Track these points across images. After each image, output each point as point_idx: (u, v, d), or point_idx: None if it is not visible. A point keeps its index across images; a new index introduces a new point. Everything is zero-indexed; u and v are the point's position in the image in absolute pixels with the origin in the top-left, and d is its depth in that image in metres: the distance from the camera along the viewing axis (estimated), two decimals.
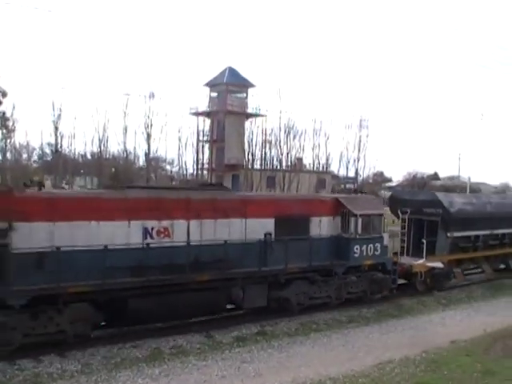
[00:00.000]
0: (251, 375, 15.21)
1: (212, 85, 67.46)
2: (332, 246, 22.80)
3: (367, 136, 74.72)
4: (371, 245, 23.90)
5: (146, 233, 18.01)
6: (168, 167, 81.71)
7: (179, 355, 16.59)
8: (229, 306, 21.02)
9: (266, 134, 67.00)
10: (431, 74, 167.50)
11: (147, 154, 63.63)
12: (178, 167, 73.45)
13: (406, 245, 28.26)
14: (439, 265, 27.96)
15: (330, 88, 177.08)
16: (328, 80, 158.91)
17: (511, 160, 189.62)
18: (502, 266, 33.97)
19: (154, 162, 68.92)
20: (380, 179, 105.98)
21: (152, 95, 62.38)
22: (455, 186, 78.89)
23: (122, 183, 55.72)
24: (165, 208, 18.54)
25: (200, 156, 68.32)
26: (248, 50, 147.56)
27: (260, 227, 20.70)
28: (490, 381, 15.50)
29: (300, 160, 71.17)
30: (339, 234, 23.14)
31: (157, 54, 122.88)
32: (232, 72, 66.28)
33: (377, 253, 24.17)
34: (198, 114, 67.59)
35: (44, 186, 18.29)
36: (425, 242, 27.75)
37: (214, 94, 67.60)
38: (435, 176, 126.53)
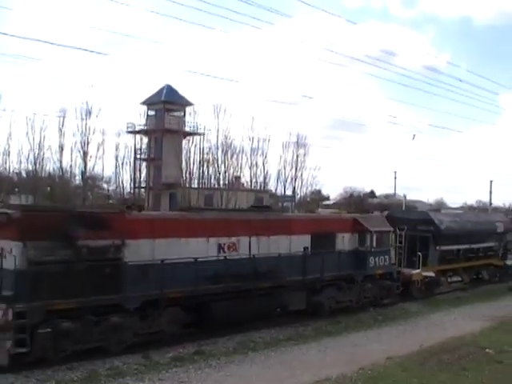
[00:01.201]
0: None
1: (149, 103, 67.10)
2: (352, 257, 27.42)
3: (305, 155, 75.30)
4: (382, 257, 28.87)
5: (220, 248, 21.76)
6: (105, 186, 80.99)
7: (116, 376, 16.29)
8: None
9: (203, 153, 67.08)
10: (358, 92, 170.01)
11: (84, 173, 62.97)
12: (115, 186, 72.85)
13: (402, 257, 31.15)
14: (431, 274, 33.05)
15: (267, 106, 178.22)
16: (266, 98, 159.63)
17: (442, 177, 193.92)
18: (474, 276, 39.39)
19: (90, 181, 68.19)
20: (317, 197, 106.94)
21: (89, 113, 61.87)
22: (391, 204, 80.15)
23: (59, 202, 55.23)
24: (232, 227, 22.57)
25: (137, 174, 67.92)
26: (186, 67, 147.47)
27: (300, 242, 24.86)
28: None
29: (238, 178, 71.32)
30: (357, 248, 27.82)
31: (94, 71, 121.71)
32: (170, 90, 66.02)
33: (386, 263, 29.16)
34: (135, 132, 67.15)
35: (144, 209, 21.68)
36: (420, 254, 32.08)
37: (152, 112, 67.26)
38: (372, 194, 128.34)
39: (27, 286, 16.44)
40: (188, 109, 67.70)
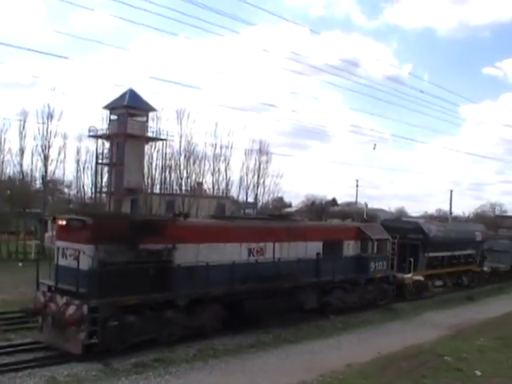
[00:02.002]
0: None
1: (112, 107, 66.41)
2: (356, 262, 30.38)
3: (267, 162, 75.28)
4: (381, 262, 32.10)
5: (250, 252, 24.52)
6: (66, 190, 79.90)
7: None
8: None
9: (166, 158, 66.70)
10: (322, 101, 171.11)
11: (44, 176, 62.07)
12: (76, 190, 71.87)
13: (394, 263, 33.76)
14: (421, 278, 36.84)
15: (231, 114, 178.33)
16: (229, 105, 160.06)
17: (403, 187, 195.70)
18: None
19: (51, 185, 67.25)
20: (279, 205, 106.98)
21: (50, 116, 61.02)
22: (353, 213, 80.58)
23: (18, 206, 54.62)
24: (260, 233, 25.32)
25: (99, 179, 67.18)
26: (150, 73, 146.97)
27: (314, 248, 27.70)
28: None
29: (200, 185, 71.00)
30: (360, 254, 30.68)
31: (56, 75, 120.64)
32: (133, 95, 65.45)
33: (384, 268, 32.41)
34: (97, 136, 66.43)
35: (189, 217, 25.59)
36: (412, 260, 35.76)
37: (114, 117, 66.64)
38: (333, 202, 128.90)
39: (98, 284, 18.86)
40: (151, 114, 67.14)
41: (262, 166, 74.33)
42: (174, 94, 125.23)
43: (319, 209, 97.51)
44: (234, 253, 23.68)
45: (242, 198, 75.46)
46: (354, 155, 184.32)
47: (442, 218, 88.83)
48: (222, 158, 70.91)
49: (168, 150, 66.63)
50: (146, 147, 66.61)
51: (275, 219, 30.27)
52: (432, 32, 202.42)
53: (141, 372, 17.55)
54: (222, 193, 72.49)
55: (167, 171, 66.83)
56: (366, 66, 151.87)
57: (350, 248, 30.37)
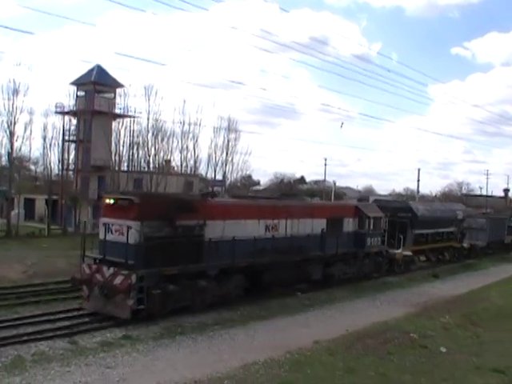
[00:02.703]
0: (115, 380, 14.95)
1: (79, 83, 65.58)
2: (355, 238, 33.37)
3: (235, 139, 75.13)
4: (376, 238, 35.11)
5: (267, 228, 27.06)
6: (32, 167, 79.02)
7: (41, 362, 16.05)
8: None
9: (133, 136, 66.18)
10: (291, 79, 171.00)
11: (10, 153, 61.30)
12: (42, 167, 71.06)
13: (385, 239, 36.41)
14: (409, 253, 39.77)
15: (199, 91, 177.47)
16: (197, 82, 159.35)
17: (371, 165, 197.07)
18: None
19: (17, 162, 66.42)
20: (248, 182, 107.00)
21: (16, 91, 60.14)
22: (321, 190, 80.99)
23: None
24: (275, 211, 27.87)
25: (65, 156, 66.42)
26: (117, 49, 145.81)
27: (319, 225, 30.36)
28: (351, 378, 16.02)
29: (168, 162, 70.68)
30: (358, 230, 33.57)
31: (21, 49, 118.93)
32: (100, 71, 64.65)
33: (378, 243, 35.51)
34: (63, 112, 65.63)
35: (217, 196, 28.79)
36: (402, 237, 38.16)
37: (81, 93, 65.85)
38: (302, 180, 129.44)
39: (144, 256, 21.16)
40: (118, 90, 66.43)
41: (230, 144, 74.28)
42: (141, 70, 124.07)
43: (287, 187, 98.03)
44: (253, 228, 26.28)
45: (210, 175, 75.40)
46: (322, 133, 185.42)
47: (410, 197, 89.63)
48: (191, 136, 70.68)
49: (136, 127, 66.19)
50: (114, 124, 66.08)
51: (286, 198, 34.74)
52: (401, 11, 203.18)
53: (107, 350, 17.51)
54: (191, 170, 72.30)
55: (135, 148, 66.45)
56: (336, 45, 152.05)
57: (349, 225, 33.27)
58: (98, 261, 22.52)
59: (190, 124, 69.94)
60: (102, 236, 22.43)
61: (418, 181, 77.64)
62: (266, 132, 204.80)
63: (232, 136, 74.56)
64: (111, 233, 22.08)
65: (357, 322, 23.28)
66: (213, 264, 23.81)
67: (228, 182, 77.87)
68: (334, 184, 64.37)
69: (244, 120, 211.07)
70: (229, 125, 74.35)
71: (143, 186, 62.31)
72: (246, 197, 35.71)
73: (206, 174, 75.58)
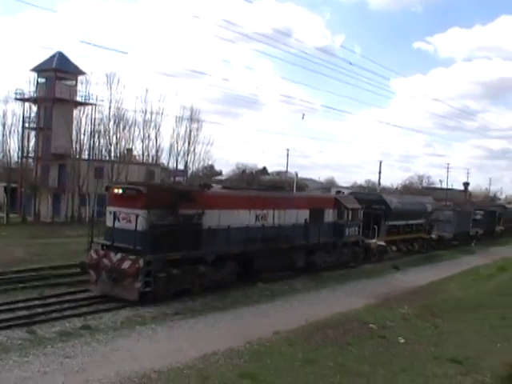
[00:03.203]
0: (74, 370, 14.86)
1: (40, 70, 64.83)
2: (334, 228, 35.36)
3: (198, 129, 74.92)
4: (353, 228, 37.35)
5: (257, 217, 28.90)
6: None
7: None
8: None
9: (95, 124, 65.64)
10: (254, 70, 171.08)
11: None
12: (1, 154, 70.10)
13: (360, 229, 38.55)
14: (383, 243, 41.91)
15: (162, 80, 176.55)
16: (160, 71, 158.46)
17: (333, 157, 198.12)
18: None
19: None
20: (210, 173, 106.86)
21: None
22: (283, 182, 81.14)
23: None
24: (264, 202, 29.68)
25: (25, 144, 65.69)
26: (79, 37, 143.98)
27: (303, 215, 32.26)
28: (310, 369, 16.13)
29: (129, 151, 70.36)
30: (337, 221, 35.61)
31: None
32: (61, 58, 63.92)
33: (356, 233, 37.80)
34: (24, 99, 64.84)
35: (212, 187, 30.59)
36: (376, 228, 40.46)
37: (42, 80, 65.09)
38: (264, 171, 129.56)
39: (151, 243, 22.93)
40: (80, 78, 65.84)
41: (192, 134, 74.10)
42: (103, 58, 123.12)
43: (249, 177, 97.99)
44: (245, 218, 28.10)
45: (172, 165, 75.15)
46: (284, 124, 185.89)
47: (371, 189, 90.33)
48: (153, 125, 70.58)
49: (97, 115, 65.86)
50: (75, 112, 65.57)
51: (273, 190, 37.24)
52: (365, 4, 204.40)
53: (66, 340, 17.40)
54: (152, 160, 72.03)
55: (96, 137, 66.13)
56: (299, 36, 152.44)
57: (329, 215, 35.25)
58: (105, 247, 24.16)
59: (152, 113, 69.88)
60: (109, 224, 24.06)
61: (380, 173, 78.51)
62: (228, 122, 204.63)
63: (194, 126, 74.48)
64: (118, 220, 23.67)
65: (317, 312, 23.44)
66: (210, 250, 25.79)
67: (190, 171, 77.64)
68: (296, 175, 64.54)
69: (206, 110, 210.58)
70: (191, 114, 74.26)
71: (104, 174, 61.88)
72: (236, 188, 37.25)
73: (168, 163, 75.42)
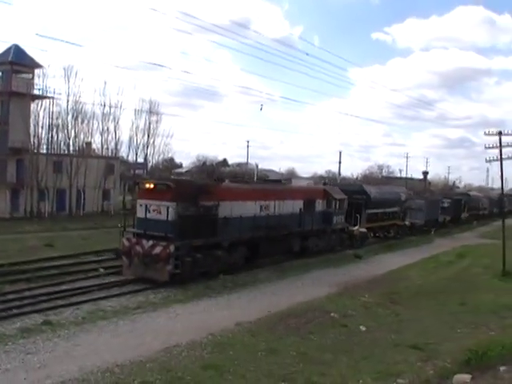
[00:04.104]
0: (36, 366, 14.81)
1: None
2: (324, 217, 39.47)
3: (157, 122, 74.59)
4: (340, 216, 41.79)
5: (261, 208, 32.67)
6: None
7: None
8: None
9: (53, 117, 64.92)
10: (212, 61, 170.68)
11: None
12: None
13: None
14: (364, 230, 45.84)
15: (120, 72, 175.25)
16: (118, 64, 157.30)
17: (293, 148, 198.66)
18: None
19: None
20: (170, 165, 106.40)
21: None
22: (243, 173, 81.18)
23: None
24: (266, 194, 33.74)
25: None
26: (36, 30, 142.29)
27: (298, 205, 36.54)
28: (273, 358, 16.23)
29: (88, 145, 69.75)
30: (326, 210, 39.74)
31: None
32: (17, 51, 62.91)
33: (342, 221, 42.31)
34: None
35: (224, 181, 34.50)
36: (358, 216, 44.63)
37: None
38: (224, 162, 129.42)
39: (179, 231, 26.31)
40: (37, 71, 64.87)
41: (151, 126, 73.93)
42: (60, 51, 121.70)
43: (210, 169, 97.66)
44: (252, 208, 31.81)
45: (131, 158, 74.91)
46: (244, 116, 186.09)
47: (331, 179, 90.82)
48: (111, 118, 70.12)
49: (55, 109, 65.12)
50: (32, 105, 64.62)
51: (273, 183, 41.21)
52: None
53: (27, 336, 17.32)
54: (111, 153, 71.52)
55: (54, 131, 65.44)
56: (257, 28, 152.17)
57: (320, 205, 39.28)
58: (135, 235, 27.43)
59: (110, 106, 69.39)
60: (141, 215, 27.42)
61: (340, 163, 78.93)
62: (187, 114, 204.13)
63: (153, 118, 74.27)
64: (149, 212, 27.06)
65: (279, 302, 23.62)
66: (225, 237, 29.33)
67: (150, 164, 77.33)
68: (257, 166, 64.61)
69: (165, 102, 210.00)
70: (150, 107, 74.03)
71: (63, 168, 61.31)
72: (242, 181, 39.79)
73: (128, 156, 75.24)
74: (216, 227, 28.79)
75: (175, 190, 27.03)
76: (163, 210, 26.49)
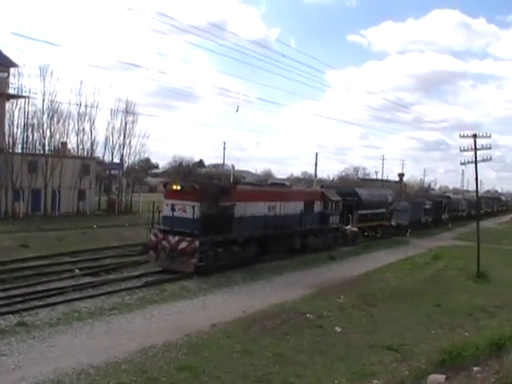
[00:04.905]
0: (10, 368, 14.75)
1: None
2: (321, 217, 42.68)
3: (133, 122, 74.15)
4: (335, 216, 45.08)
5: (269, 208, 35.54)
6: None
7: None
8: None
9: (28, 117, 64.35)
10: (189, 62, 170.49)
11: None
12: None
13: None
14: (356, 229, 49.24)
15: (96, 72, 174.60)
16: (94, 64, 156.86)
17: (270, 149, 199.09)
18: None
19: None
20: (146, 166, 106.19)
21: None
22: (220, 174, 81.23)
23: None
24: (273, 196, 36.81)
25: None
26: (10, 27, 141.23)
27: (299, 206, 39.47)
28: (248, 360, 16.34)
29: (64, 145, 69.18)
30: (323, 211, 42.98)
31: None
32: None
33: (337, 221, 45.50)
34: None
35: (238, 183, 38.25)
36: (351, 216, 47.97)
37: None
38: (201, 163, 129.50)
39: (203, 228, 29.31)
40: (12, 70, 64.33)
41: (128, 126, 73.14)
42: (36, 50, 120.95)
43: (186, 170, 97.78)
44: (262, 209, 34.74)
45: (107, 158, 74.37)
46: (221, 117, 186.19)
47: (308, 181, 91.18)
48: (87, 118, 69.37)
49: (30, 108, 64.40)
50: (7, 105, 64.06)
51: (279, 186, 43.22)
52: None
53: (1, 338, 17.21)
54: (87, 153, 70.98)
55: (30, 130, 64.68)
56: (235, 29, 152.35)
57: (318, 206, 42.44)
58: (162, 231, 30.04)
59: (86, 106, 68.72)
60: (168, 213, 30.19)
61: (316, 165, 79.15)
62: (164, 115, 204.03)
63: (130, 119, 73.53)
64: (175, 211, 29.81)
65: (255, 304, 23.69)
66: (240, 234, 32.23)
67: (126, 165, 76.91)
68: (233, 168, 64.66)
69: (142, 102, 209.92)
70: (126, 107, 73.29)
71: (38, 169, 60.87)
72: (254, 184, 43.07)
73: (103, 156, 74.61)
74: (232, 225, 31.83)
75: (200, 191, 30.30)
76: (189, 209, 29.39)
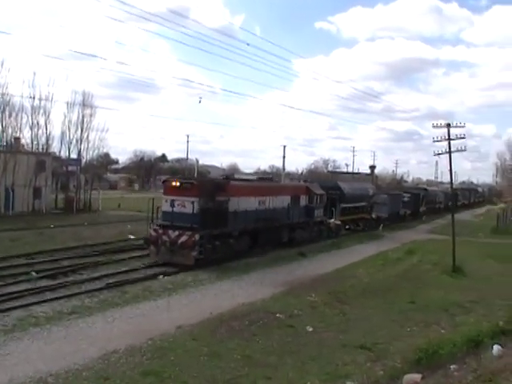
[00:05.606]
0: None
1: None
2: (307, 210, 45.85)
3: (91, 115, 73.56)
4: (320, 210, 48.29)
5: (260, 203, 38.68)
6: None
7: None
8: None
9: None
10: (149, 52, 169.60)
11: None
12: None
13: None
14: (339, 222, 52.57)
15: (50, 62, 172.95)
16: (48, 54, 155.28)
17: (235, 142, 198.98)
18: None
19: None
20: (105, 161, 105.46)
21: None
22: (183, 169, 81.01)
23: None
24: (263, 190, 40.15)
25: None
26: None
27: (286, 201, 42.77)
28: (216, 363, 16.32)
29: (17, 140, 68.53)
30: (308, 205, 46.05)
31: None
32: None
33: (321, 214, 48.88)
34: None
35: (231, 179, 40.17)
36: (334, 209, 51.88)
37: None
38: (163, 158, 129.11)
39: (202, 222, 32.01)
40: None
41: (85, 120, 72.68)
42: None
43: (148, 165, 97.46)
44: (254, 203, 37.90)
45: (64, 153, 73.75)
46: (184, 109, 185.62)
47: (276, 174, 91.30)
48: (42, 111, 68.76)
49: None
50: None
51: (267, 181, 47.61)
52: None
53: None
54: (42, 148, 70.31)
55: None
56: (197, 16, 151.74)
57: (303, 200, 45.59)
58: (160, 226, 32.62)
59: (40, 98, 68.06)
60: (168, 209, 32.79)
61: (284, 158, 79.03)
62: (123, 107, 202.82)
63: (87, 112, 73.04)
64: (174, 206, 32.38)
65: (222, 304, 23.64)
66: (235, 227, 35.36)
67: (84, 160, 76.27)
68: (197, 162, 64.37)
69: (100, 95, 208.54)
70: (83, 99, 72.81)
71: None
72: (246, 180, 45.53)
73: (60, 152, 73.97)
74: (227, 219, 34.76)
75: (198, 187, 33.13)
76: (188, 205, 32.14)
